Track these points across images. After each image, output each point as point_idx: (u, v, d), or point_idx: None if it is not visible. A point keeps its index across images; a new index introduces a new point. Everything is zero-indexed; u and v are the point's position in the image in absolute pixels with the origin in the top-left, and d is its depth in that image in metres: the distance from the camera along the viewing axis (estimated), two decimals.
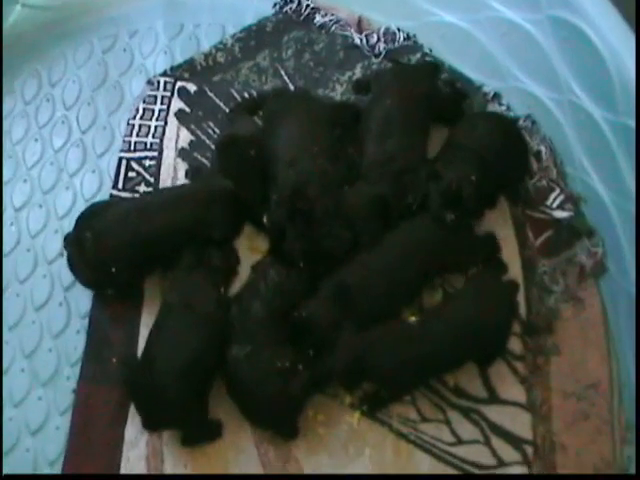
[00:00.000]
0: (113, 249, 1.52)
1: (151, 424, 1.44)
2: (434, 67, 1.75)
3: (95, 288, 1.60)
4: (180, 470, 1.44)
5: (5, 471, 1.45)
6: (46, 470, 1.48)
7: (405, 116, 1.61)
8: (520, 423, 1.46)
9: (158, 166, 1.72)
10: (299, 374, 1.40)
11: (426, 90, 1.66)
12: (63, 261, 1.59)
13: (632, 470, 1.42)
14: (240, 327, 1.44)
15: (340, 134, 1.67)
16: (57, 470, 1.47)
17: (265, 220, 1.57)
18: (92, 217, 1.58)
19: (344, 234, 1.48)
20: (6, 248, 1.68)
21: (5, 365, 1.56)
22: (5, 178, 1.76)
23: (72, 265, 1.58)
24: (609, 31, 1.42)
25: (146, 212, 1.54)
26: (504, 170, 1.58)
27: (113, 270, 1.53)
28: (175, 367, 1.39)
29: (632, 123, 1.39)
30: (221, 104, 1.78)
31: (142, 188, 1.70)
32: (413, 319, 1.49)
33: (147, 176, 1.71)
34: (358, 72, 1.81)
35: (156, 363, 1.40)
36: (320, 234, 1.46)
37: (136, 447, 1.46)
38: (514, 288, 1.52)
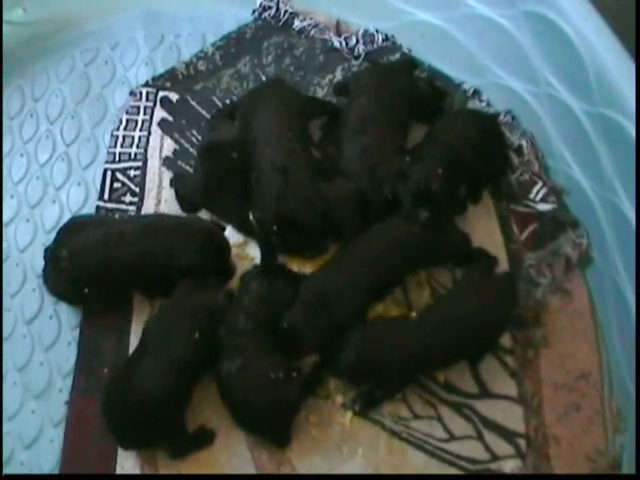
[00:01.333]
0: (87, 271, 1.53)
1: (127, 444, 1.46)
2: (410, 63, 1.77)
3: (69, 302, 1.61)
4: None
5: None
6: None
7: (380, 112, 1.62)
8: (512, 417, 1.47)
9: (143, 176, 1.73)
10: (294, 380, 1.42)
11: (402, 86, 1.68)
12: None
13: (626, 458, 1.43)
14: (229, 342, 1.44)
15: (322, 135, 1.71)
16: None
17: (251, 216, 1.58)
18: (70, 235, 1.59)
19: (319, 203, 1.51)
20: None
21: None
22: None
23: (46, 279, 1.60)
24: (582, 23, 1.43)
25: (124, 238, 1.53)
26: (483, 165, 1.60)
27: (86, 291, 1.54)
28: (149, 398, 1.39)
29: (609, 113, 1.40)
30: (204, 112, 1.79)
31: (128, 198, 1.71)
32: (414, 315, 1.50)
33: (132, 186, 1.72)
34: (339, 75, 1.82)
35: (130, 392, 1.40)
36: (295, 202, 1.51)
37: (130, 456, 1.46)
38: (510, 278, 1.53)
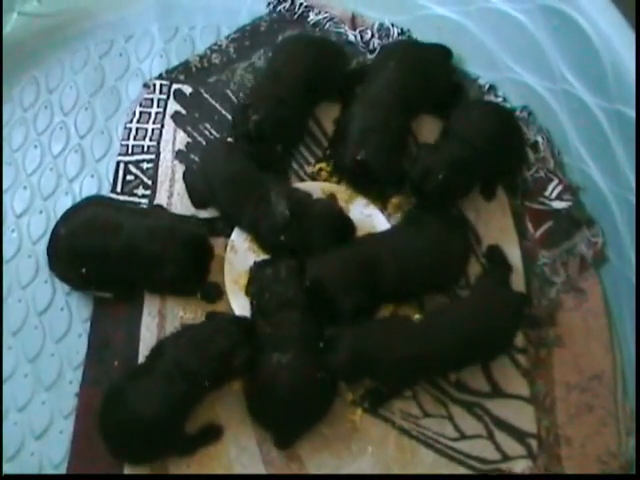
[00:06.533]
0: (82, 252, 1.54)
1: (126, 461, 1.46)
2: (447, 51, 1.74)
3: (73, 286, 1.61)
4: (183, 469, 1.44)
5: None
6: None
7: (400, 90, 1.62)
8: (524, 416, 1.46)
9: (156, 169, 1.72)
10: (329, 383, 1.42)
11: (433, 69, 1.67)
12: None
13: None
14: (279, 334, 1.42)
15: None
16: (61, 473, 1.48)
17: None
18: (72, 213, 1.60)
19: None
20: (7, 254, 1.69)
21: (9, 370, 1.57)
22: (5, 185, 1.76)
23: (49, 260, 1.60)
24: (600, 17, 1.40)
25: (119, 230, 1.52)
26: (499, 159, 1.58)
27: (84, 271, 1.54)
28: (143, 421, 1.39)
29: (625, 109, 1.38)
30: (217, 105, 1.78)
31: (140, 191, 1.70)
32: (417, 317, 1.47)
33: (145, 179, 1.71)
34: None
35: (124, 410, 1.40)
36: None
37: None
38: (522, 300, 1.50)
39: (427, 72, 1.66)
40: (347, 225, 1.55)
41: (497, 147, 1.57)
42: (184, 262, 1.51)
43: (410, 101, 1.63)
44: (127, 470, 1.45)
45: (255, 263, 1.54)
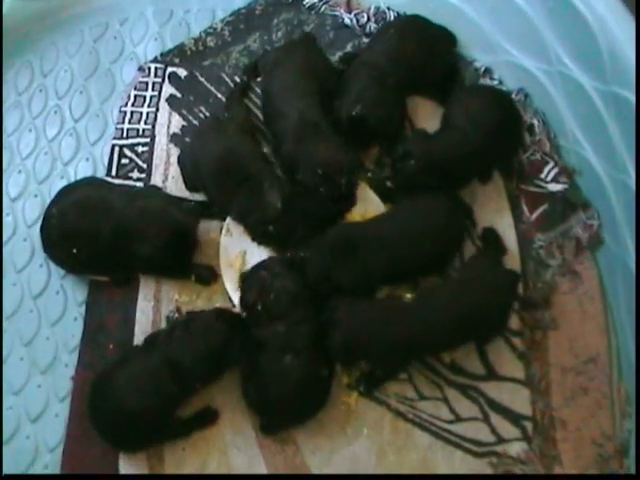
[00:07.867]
0: (73, 232, 1.53)
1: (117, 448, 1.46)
2: (452, 36, 1.74)
3: (65, 268, 1.60)
4: (178, 453, 1.45)
5: (6, 459, 1.47)
6: (47, 456, 1.49)
7: (398, 53, 1.64)
8: (519, 399, 1.46)
9: (151, 152, 1.72)
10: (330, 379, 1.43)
11: (431, 44, 1.67)
12: None
13: (632, 443, 1.41)
14: (290, 337, 1.40)
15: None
16: (57, 456, 1.48)
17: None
18: (64, 194, 1.60)
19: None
20: (3, 238, 1.68)
21: (4, 354, 1.57)
22: None
23: (42, 240, 1.59)
24: None
25: (110, 210, 1.53)
26: (497, 144, 1.58)
27: (75, 251, 1.53)
28: (130, 412, 1.39)
29: (621, 92, 1.38)
30: (212, 88, 1.78)
31: (135, 174, 1.70)
32: (409, 296, 1.45)
33: (140, 162, 1.71)
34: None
35: (112, 398, 1.40)
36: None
37: None
38: (514, 277, 1.50)
39: (426, 43, 1.66)
40: (332, 216, 1.54)
41: (496, 136, 1.57)
42: (162, 244, 1.50)
43: (408, 65, 1.63)
44: (123, 454, 1.45)
45: (242, 274, 1.52)
